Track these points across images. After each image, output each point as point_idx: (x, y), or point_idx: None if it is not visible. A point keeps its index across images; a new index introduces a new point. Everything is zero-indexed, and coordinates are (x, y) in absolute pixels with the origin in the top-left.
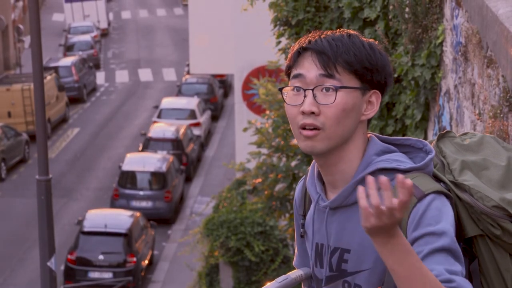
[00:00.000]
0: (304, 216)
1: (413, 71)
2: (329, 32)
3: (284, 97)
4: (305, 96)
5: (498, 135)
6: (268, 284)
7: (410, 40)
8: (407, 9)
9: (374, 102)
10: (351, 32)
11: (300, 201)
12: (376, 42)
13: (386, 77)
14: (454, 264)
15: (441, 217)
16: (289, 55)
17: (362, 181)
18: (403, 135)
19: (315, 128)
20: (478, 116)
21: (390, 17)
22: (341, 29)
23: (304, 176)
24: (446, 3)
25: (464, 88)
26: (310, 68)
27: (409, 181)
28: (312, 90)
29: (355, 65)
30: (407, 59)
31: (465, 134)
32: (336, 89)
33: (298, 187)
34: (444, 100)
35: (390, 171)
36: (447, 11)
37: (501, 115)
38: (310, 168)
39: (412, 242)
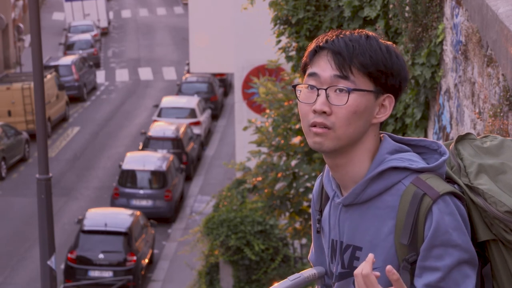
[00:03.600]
0: (321, 212)
1: (413, 70)
2: (348, 32)
3: (298, 94)
4: (318, 95)
5: (498, 134)
6: (280, 282)
7: (410, 39)
8: (407, 8)
9: (387, 106)
10: (370, 33)
11: (317, 196)
12: (394, 45)
13: (401, 81)
14: (469, 277)
15: (456, 223)
16: (306, 52)
17: (374, 179)
18: (403, 134)
19: (325, 127)
20: (478, 115)
21: (390, 16)
22: (360, 30)
23: (322, 172)
24: (446, 2)
25: (464, 87)
26: (325, 68)
27: (396, 275)
28: (326, 90)
29: (370, 67)
30: (407, 58)
31: (486, 136)
32: (349, 91)
33: (317, 183)
34: (444, 99)
35: (401, 170)
36: (447, 10)
37: (501, 114)
38: (326, 164)
39: (429, 248)
